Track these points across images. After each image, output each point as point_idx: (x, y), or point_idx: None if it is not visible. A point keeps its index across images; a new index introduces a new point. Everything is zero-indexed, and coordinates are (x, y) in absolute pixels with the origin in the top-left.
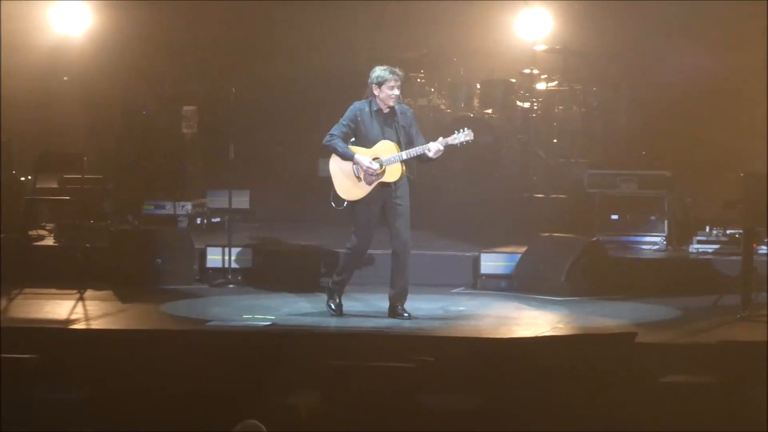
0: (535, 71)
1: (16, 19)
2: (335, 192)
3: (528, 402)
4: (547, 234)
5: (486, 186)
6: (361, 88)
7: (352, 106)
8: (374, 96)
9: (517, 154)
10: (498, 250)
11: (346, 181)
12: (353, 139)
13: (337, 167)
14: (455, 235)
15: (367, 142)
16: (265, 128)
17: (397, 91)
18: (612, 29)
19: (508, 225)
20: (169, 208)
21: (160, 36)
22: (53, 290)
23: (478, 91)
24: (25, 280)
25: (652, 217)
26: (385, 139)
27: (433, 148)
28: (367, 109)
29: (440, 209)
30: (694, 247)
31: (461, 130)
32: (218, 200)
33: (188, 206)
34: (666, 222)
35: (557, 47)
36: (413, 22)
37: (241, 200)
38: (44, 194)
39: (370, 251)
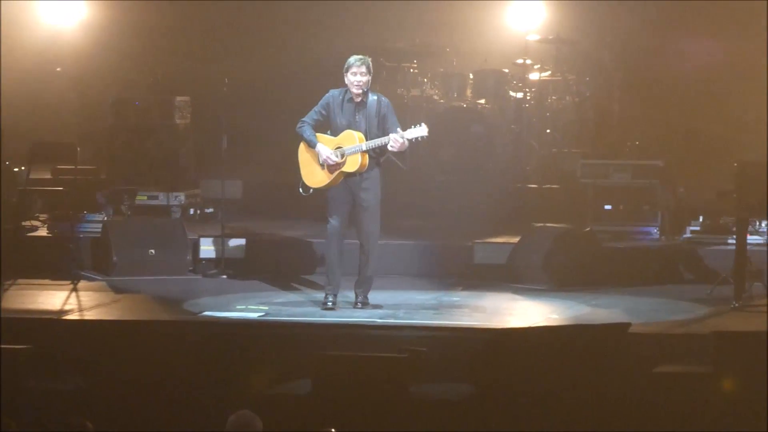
0: (528, 61)
1: (8, 11)
2: (301, 178)
3: (521, 392)
4: (540, 224)
5: (479, 176)
6: None
7: (326, 94)
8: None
9: (510, 145)
10: (491, 240)
11: (310, 167)
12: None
13: (304, 154)
14: (448, 226)
15: (337, 130)
16: (259, 118)
17: (360, 78)
18: (605, 19)
19: (501, 215)
20: (162, 199)
21: (153, 27)
22: (47, 281)
23: (471, 82)
24: (19, 271)
25: (645, 207)
26: (353, 127)
27: (392, 140)
28: (340, 97)
29: (433, 199)
30: (687, 237)
31: (417, 125)
32: (211, 191)
33: (181, 197)
34: (659, 212)
35: (550, 37)
36: (406, 12)
37: (234, 191)
38: (37, 185)
39: (355, 241)
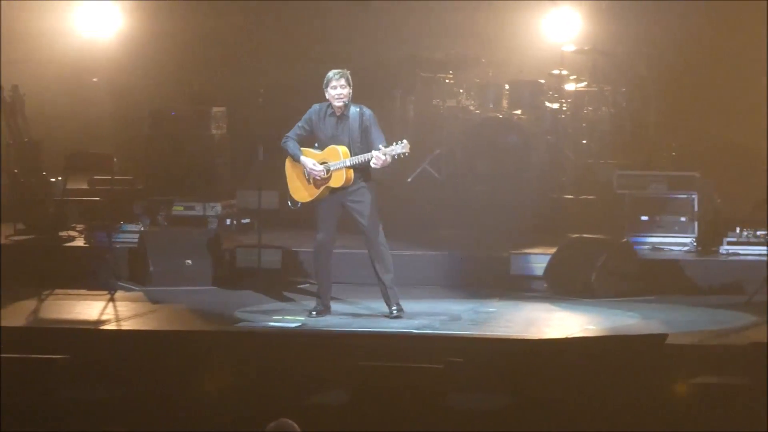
0: (564, 72)
1: (44, 21)
2: (289, 192)
3: (558, 403)
4: (577, 235)
5: (515, 187)
6: (389, 88)
7: (310, 108)
8: None
9: (546, 155)
10: (527, 251)
11: (297, 182)
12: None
13: (290, 169)
14: (484, 237)
15: (321, 144)
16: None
17: (340, 90)
18: (641, 29)
19: (537, 226)
20: (198, 209)
21: (189, 37)
22: (84, 291)
23: (507, 92)
24: (56, 281)
25: (682, 218)
26: (336, 141)
27: (375, 157)
28: (322, 111)
29: (469, 211)
30: (724, 248)
31: (399, 142)
32: (248, 201)
33: (218, 207)
34: (696, 223)
35: (586, 48)
36: (442, 23)
37: (271, 201)
38: (74, 195)
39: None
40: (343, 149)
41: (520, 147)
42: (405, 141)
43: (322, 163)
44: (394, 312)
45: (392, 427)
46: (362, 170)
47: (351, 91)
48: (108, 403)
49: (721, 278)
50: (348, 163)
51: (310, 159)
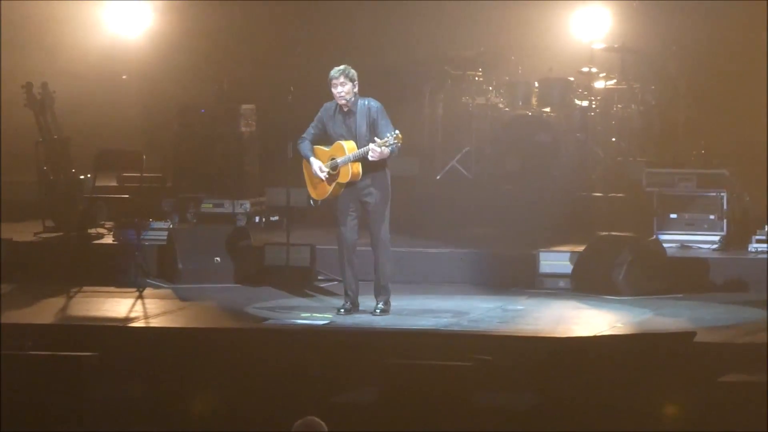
0: (594, 69)
1: (73, 18)
2: (308, 191)
3: (586, 401)
4: (606, 233)
5: (544, 185)
6: (419, 86)
7: (321, 108)
8: None
9: (575, 153)
10: (556, 249)
11: (313, 180)
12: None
13: (307, 168)
14: (513, 235)
15: (332, 141)
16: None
17: (341, 88)
18: (670, 27)
19: (566, 224)
20: (227, 207)
21: (218, 35)
22: (112, 288)
23: (536, 90)
24: (85, 279)
25: (711, 216)
26: (346, 137)
27: (371, 150)
28: (332, 108)
29: (498, 209)
30: (753, 246)
31: (392, 133)
32: (277, 198)
33: (247, 204)
34: (724, 221)
35: (615, 45)
36: (471, 21)
37: (300, 198)
38: (103, 192)
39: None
40: (348, 144)
41: (550, 145)
42: (397, 131)
43: (330, 159)
44: (377, 311)
45: (420, 425)
46: (374, 165)
47: (354, 86)
48: (136, 401)
49: (750, 276)
50: (351, 158)
51: (317, 161)
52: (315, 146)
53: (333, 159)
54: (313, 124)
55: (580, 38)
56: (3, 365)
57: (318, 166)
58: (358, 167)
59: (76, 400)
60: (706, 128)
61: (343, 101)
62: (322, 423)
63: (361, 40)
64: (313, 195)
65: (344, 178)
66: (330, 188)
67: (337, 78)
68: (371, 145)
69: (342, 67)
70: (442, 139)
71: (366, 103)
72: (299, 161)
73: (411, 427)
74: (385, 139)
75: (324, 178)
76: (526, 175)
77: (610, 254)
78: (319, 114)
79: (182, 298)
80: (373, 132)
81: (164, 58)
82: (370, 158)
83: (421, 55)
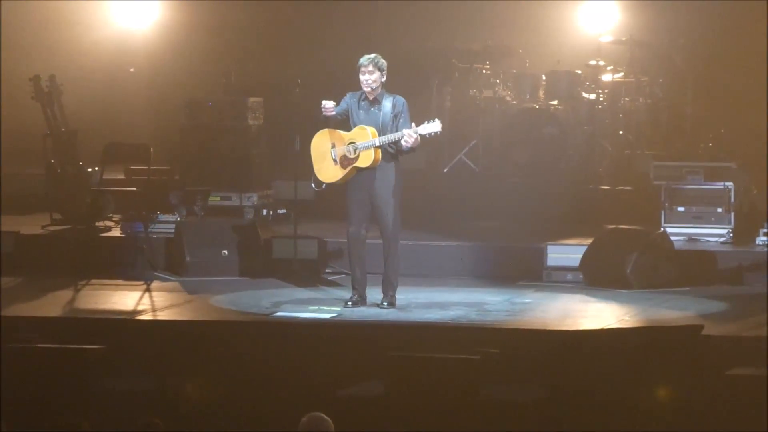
0: (601, 62)
1: (81, 13)
2: (314, 173)
3: (593, 394)
4: (613, 226)
5: (551, 178)
6: (426, 78)
7: (346, 94)
8: None
9: (583, 146)
10: (564, 242)
11: (323, 163)
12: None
13: (316, 149)
14: (520, 228)
15: (351, 128)
16: (331, 119)
17: (369, 76)
18: (678, 20)
19: (573, 217)
20: (235, 200)
21: (225, 28)
22: (120, 281)
23: (544, 83)
24: (92, 271)
25: (718, 209)
26: (367, 125)
27: (407, 135)
28: (356, 97)
29: (505, 201)
30: (761, 239)
31: (431, 120)
32: (284, 192)
33: (254, 197)
34: (732, 214)
35: (623, 38)
36: (478, 14)
37: (307, 191)
38: (111, 185)
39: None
40: (372, 129)
41: (557, 138)
42: (437, 120)
43: (350, 143)
44: (385, 304)
45: (427, 418)
46: (388, 158)
47: (382, 76)
48: (143, 393)
49: (757, 269)
50: (377, 143)
51: (339, 140)
52: (335, 129)
53: (353, 142)
54: (340, 105)
55: (588, 31)
56: (10, 358)
57: (330, 105)
58: (379, 153)
59: (83, 393)
60: (713, 121)
61: (369, 89)
62: (329, 419)
63: (369, 33)
64: (321, 177)
65: (365, 162)
66: (344, 171)
67: (366, 66)
68: (406, 130)
69: (372, 55)
70: (450, 132)
71: (393, 98)
72: (307, 154)
73: (418, 421)
74: (425, 125)
75: (341, 160)
76: (534, 168)
77: (618, 247)
78: (346, 98)
79: (189, 291)
80: (395, 126)
81: (172, 51)
82: (404, 144)
83: (429, 48)
